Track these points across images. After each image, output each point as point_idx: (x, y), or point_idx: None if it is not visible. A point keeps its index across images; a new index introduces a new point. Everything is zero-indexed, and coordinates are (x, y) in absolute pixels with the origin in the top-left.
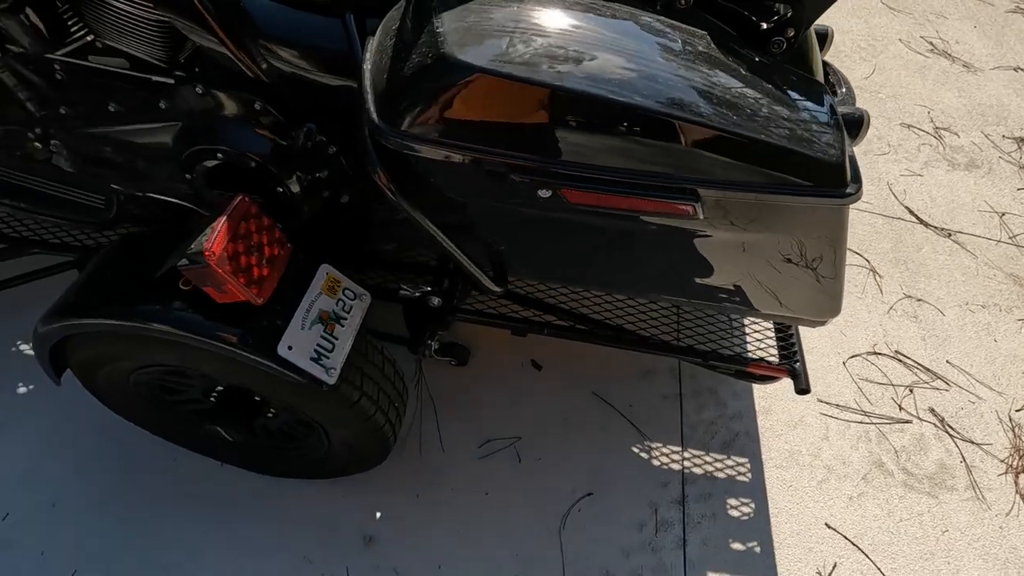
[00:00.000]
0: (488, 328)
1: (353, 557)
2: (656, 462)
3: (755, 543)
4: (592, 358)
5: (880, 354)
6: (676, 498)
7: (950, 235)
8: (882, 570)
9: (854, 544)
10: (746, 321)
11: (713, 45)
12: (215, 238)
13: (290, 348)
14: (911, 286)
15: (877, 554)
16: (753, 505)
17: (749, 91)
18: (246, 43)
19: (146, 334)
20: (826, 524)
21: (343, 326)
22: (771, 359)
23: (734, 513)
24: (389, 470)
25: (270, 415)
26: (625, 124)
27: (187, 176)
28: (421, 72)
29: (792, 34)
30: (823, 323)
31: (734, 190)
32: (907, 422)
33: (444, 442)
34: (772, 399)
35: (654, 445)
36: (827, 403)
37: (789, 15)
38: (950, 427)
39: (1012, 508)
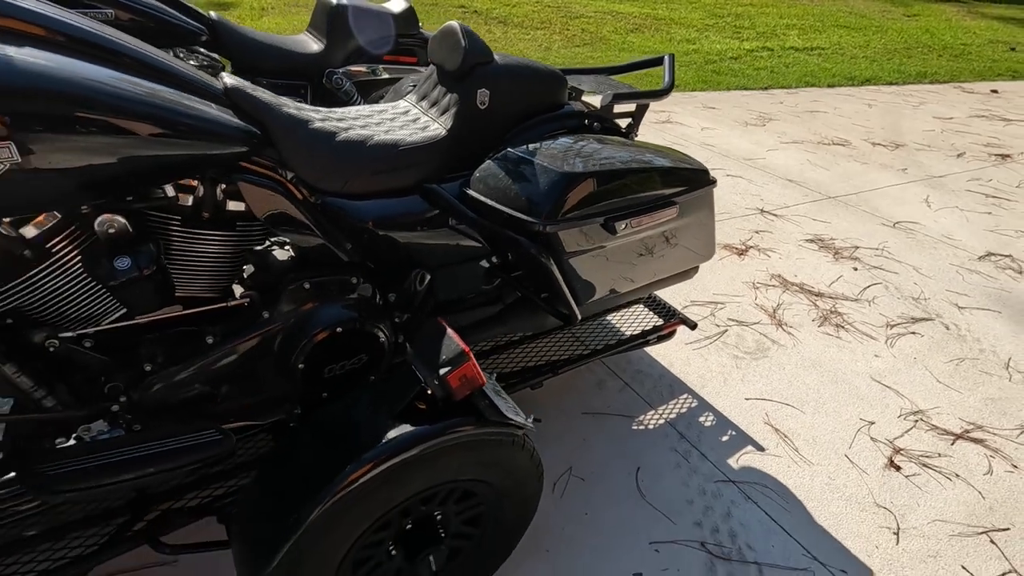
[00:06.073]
0: None
1: None
2: (652, 425)
3: (714, 420)
4: (554, 394)
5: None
6: (678, 435)
7: None
8: (789, 404)
9: (759, 399)
10: (625, 312)
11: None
12: (459, 341)
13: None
14: None
15: (778, 395)
16: (708, 413)
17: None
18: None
19: (426, 452)
20: (744, 398)
21: (500, 386)
22: (668, 319)
23: (702, 420)
24: None
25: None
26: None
27: (299, 366)
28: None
29: None
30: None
31: (690, 192)
32: (725, 331)
33: None
34: (663, 354)
35: (640, 417)
36: (692, 342)
37: None
38: (743, 324)
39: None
